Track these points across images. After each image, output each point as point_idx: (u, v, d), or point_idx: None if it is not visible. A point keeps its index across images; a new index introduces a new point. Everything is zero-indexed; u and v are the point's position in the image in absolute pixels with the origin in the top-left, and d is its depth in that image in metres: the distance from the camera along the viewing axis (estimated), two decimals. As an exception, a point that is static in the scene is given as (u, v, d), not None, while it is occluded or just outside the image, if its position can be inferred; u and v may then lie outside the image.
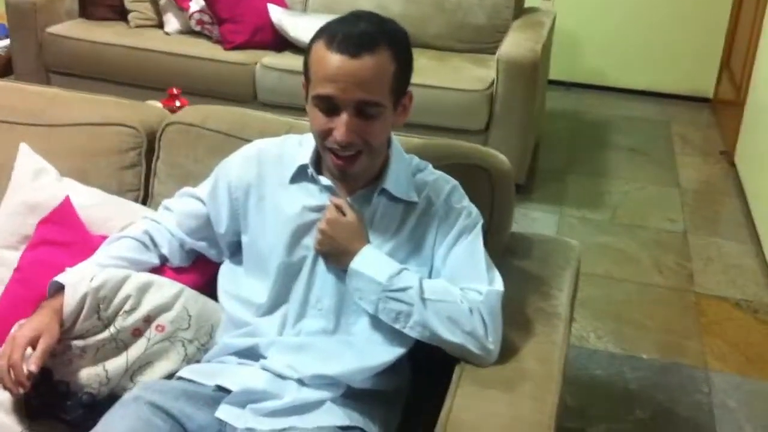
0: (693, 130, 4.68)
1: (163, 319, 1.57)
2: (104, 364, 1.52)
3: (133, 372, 1.52)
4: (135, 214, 1.79)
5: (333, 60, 1.41)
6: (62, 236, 1.72)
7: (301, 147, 1.65)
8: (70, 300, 1.49)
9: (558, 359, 1.52)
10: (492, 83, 3.51)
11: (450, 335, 1.47)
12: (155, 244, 1.68)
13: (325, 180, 1.59)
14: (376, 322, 1.53)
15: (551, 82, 4.38)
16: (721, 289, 3.09)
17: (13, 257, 1.75)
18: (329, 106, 1.44)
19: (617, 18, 5.03)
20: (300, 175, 1.61)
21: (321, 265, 1.57)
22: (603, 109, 4.91)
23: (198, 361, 1.60)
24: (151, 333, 1.56)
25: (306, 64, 1.49)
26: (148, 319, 1.56)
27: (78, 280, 1.51)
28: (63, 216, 1.74)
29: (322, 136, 1.48)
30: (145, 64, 3.86)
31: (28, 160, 1.84)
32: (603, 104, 4.99)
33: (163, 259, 1.69)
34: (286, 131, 1.82)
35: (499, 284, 1.54)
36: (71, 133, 1.90)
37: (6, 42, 4.15)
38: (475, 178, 1.72)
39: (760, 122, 3.74)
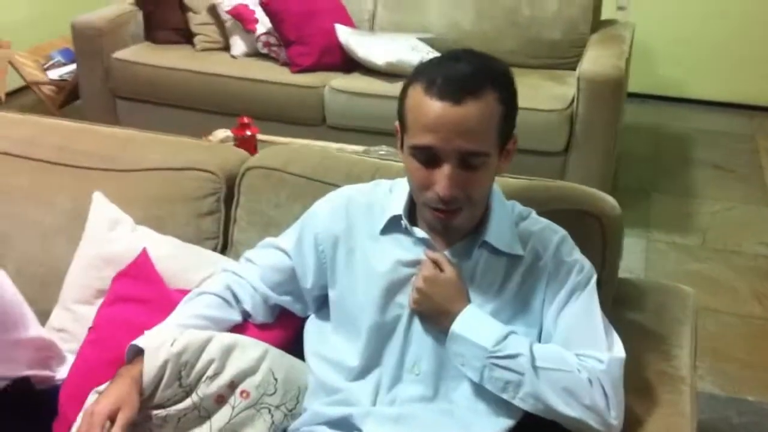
0: (781, 144, 4.43)
1: (248, 384, 1.45)
2: (187, 437, 1.41)
3: (218, 445, 1.40)
4: (214, 265, 1.68)
5: (433, 108, 1.28)
6: (139, 292, 1.61)
7: (391, 194, 1.52)
8: (150, 367, 1.38)
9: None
10: (572, 102, 3.34)
11: (567, 409, 1.32)
12: (237, 300, 1.57)
13: (420, 232, 1.45)
14: (480, 389, 1.39)
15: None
16: (826, 325, 2.87)
17: (88, 312, 1.65)
18: (429, 157, 1.31)
19: (694, 26, 4.80)
20: (392, 225, 1.47)
21: (417, 324, 1.44)
22: (682, 123, 4.69)
23: (285, 430, 1.47)
24: (236, 400, 1.44)
25: (401, 110, 1.36)
26: (232, 385, 1.43)
27: (158, 345, 1.40)
28: (140, 270, 1.64)
29: (421, 188, 1.35)
30: (212, 88, 3.78)
31: (102, 209, 1.74)
32: (681, 117, 4.76)
33: (246, 315, 1.58)
34: (373, 174, 1.69)
35: (620, 350, 1.38)
36: (146, 179, 1.80)
37: (73, 67, 4.10)
38: (584, 226, 1.57)
39: None
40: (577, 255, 1.46)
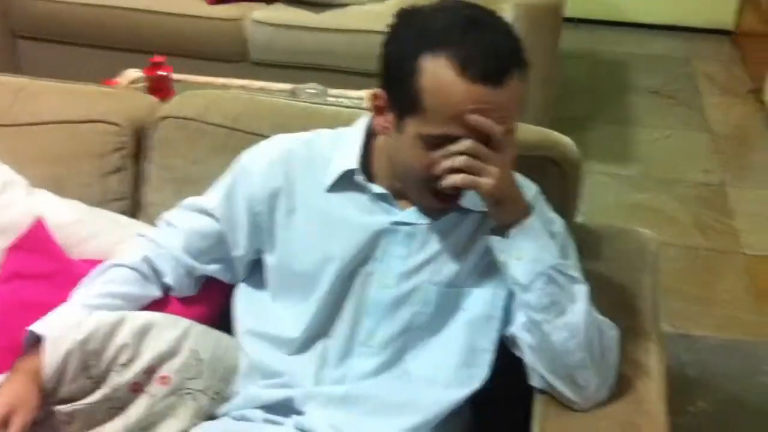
0: (716, 66, 4.35)
1: (168, 369, 1.28)
2: (97, 431, 1.24)
3: (136, 438, 1.24)
4: (125, 231, 1.49)
5: (472, 93, 1.11)
6: (38, 266, 1.42)
7: (338, 146, 1.34)
8: (50, 359, 1.20)
9: (659, 398, 1.24)
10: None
11: (586, 359, 1.19)
12: (157, 273, 1.38)
13: (377, 188, 1.29)
14: (442, 357, 1.27)
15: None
16: (771, 249, 2.82)
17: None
18: (447, 142, 1.14)
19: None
20: (343, 181, 1.30)
21: (373, 291, 1.28)
22: (618, 47, 4.56)
23: (214, 416, 1.31)
24: (154, 387, 1.27)
25: (407, 84, 1.14)
26: (149, 371, 1.27)
27: (60, 333, 1.22)
28: (36, 240, 1.44)
29: (432, 178, 1.18)
30: (122, 23, 3.46)
31: (-10, 169, 1.52)
32: (617, 41, 4.64)
33: (167, 289, 1.40)
34: (304, 121, 1.51)
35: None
36: (43, 134, 1.59)
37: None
38: (543, 173, 1.42)
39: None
40: (550, 213, 1.32)
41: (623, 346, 1.28)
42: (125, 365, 1.24)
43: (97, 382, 1.23)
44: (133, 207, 1.62)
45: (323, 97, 2.47)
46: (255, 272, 1.40)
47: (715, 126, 3.71)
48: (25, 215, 1.47)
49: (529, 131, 1.52)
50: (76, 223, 1.50)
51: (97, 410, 1.23)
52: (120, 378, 1.24)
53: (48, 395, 1.20)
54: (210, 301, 1.44)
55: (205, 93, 1.65)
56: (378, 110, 1.24)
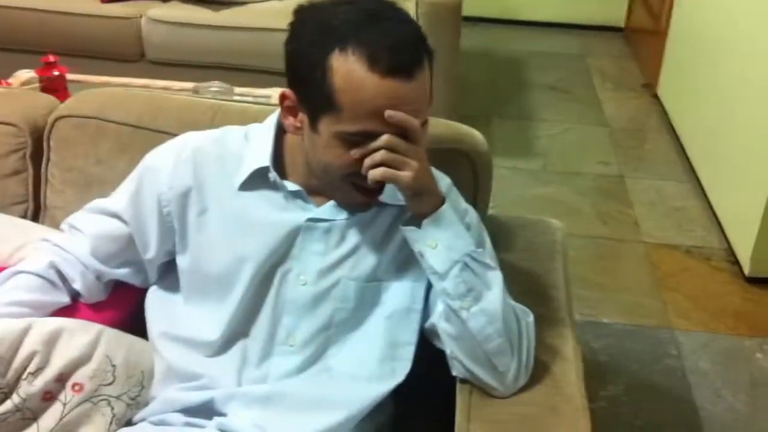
0: (609, 62, 4.50)
1: (81, 376, 1.22)
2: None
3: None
4: (28, 235, 1.42)
5: (384, 88, 1.09)
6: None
7: (248, 143, 1.31)
8: None
9: (577, 381, 1.26)
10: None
11: (505, 345, 1.20)
12: (64, 279, 1.33)
13: (291, 185, 1.26)
14: (364, 352, 1.26)
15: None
16: (669, 237, 2.92)
17: None
18: (365, 138, 1.13)
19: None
20: (255, 179, 1.27)
21: (290, 290, 1.26)
22: (514, 45, 4.66)
23: (130, 422, 1.26)
24: (67, 395, 1.21)
25: (315, 82, 1.12)
26: (61, 378, 1.21)
27: None
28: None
29: (348, 171, 1.17)
30: (11, 22, 3.33)
31: None
32: (513, 40, 4.74)
33: (75, 295, 1.34)
34: (211, 118, 1.49)
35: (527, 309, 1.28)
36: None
37: None
38: (454, 165, 1.42)
39: (686, 53, 3.57)
40: (464, 203, 1.33)
41: (540, 334, 1.30)
42: (35, 374, 1.18)
43: (6, 392, 1.17)
44: (35, 210, 1.55)
45: (228, 95, 2.42)
46: (167, 275, 1.36)
47: (611, 119, 3.82)
48: None
49: (438, 125, 1.52)
50: (-27, 228, 1.42)
51: (9, 421, 1.17)
52: (30, 387, 1.18)
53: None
54: (121, 306, 1.39)
55: (104, 91, 1.59)
56: (288, 111, 1.21)
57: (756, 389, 2.25)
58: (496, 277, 1.22)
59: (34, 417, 1.19)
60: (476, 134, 1.53)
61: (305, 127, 1.19)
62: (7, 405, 1.17)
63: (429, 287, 1.26)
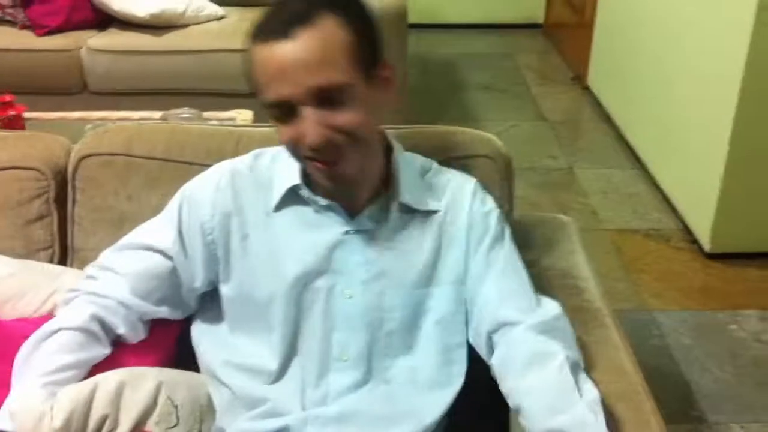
0: (535, 58, 4.64)
1: (149, 425, 1.20)
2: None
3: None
4: (58, 281, 1.38)
5: (266, 53, 1.10)
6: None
7: (276, 165, 1.31)
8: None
9: (633, 368, 1.32)
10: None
11: None
12: (107, 329, 1.29)
13: (322, 200, 1.27)
14: (417, 360, 1.28)
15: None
16: (628, 222, 3.04)
17: None
18: (288, 111, 1.12)
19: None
20: (288, 199, 1.28)
21: (337, 305, 1.26)
22: (443, 49, 4.75)
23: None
24: (140, 448, 1.19)
25: (248, 74, 1.15)
26: (133, 432, 1.19)
27: (33, 424, 1.11)
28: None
29: (294, 148, 1.16)
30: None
31: None
32: (441, 43, 4.83)
33: (117, 340, 1.31)
34: (236, 143, 1.48)
35: (553, 307, 1.29)
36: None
37: None
38: (482, 170, 1.47)
39: (615, 43, 3.72)
40: (491, 202, 1.35)
41: (584, 326, 1.35)
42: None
43: None
44: (61, 254, 1.51)
45: (199, 120, 2.39)
46: (210, 305, 1.35)
47: (548, 114, 3.94)
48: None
49: (458, 132, 1.57)
50: (5, 278, 1.37)
51: None
52: (109, 447, 1.15)
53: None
54: (161, 346, 1.36)
55: (122, 127, 1.55)
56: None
57: (736, 359, 2.36)
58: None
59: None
60: (493, 138, 1.57)
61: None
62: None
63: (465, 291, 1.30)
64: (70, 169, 1.47)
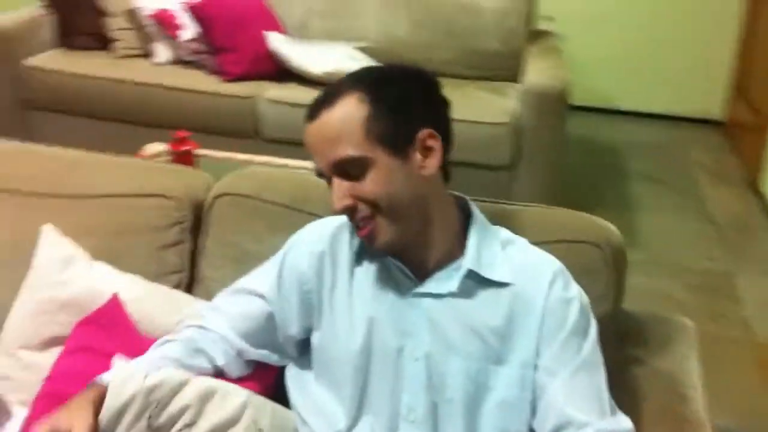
0: (709, 155, 4.47)
1: (226, 438, 1.26)
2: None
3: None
4: (182, 310, 1.49)
5: (305, 131, 1.26)
6: (106, 342, 1.43)
7: None
8: (113, 399, 1.19)
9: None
10: (515, 114, 3.25)
11: None
12: (208, 358, 1.40)
13: (397, 261, 1.31)
14: (475, 426, 1.27)
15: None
16: (782, 338, 2.86)
17: (40, 360, 1.47)
18: (328, 180, 1.27)
19: (620, 37, 4.80)
20: (367, 256, 1.34)
21: (407, 364, 1.28)
22: (612, 134, 4.69)
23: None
24: (214, 453, 1.24)
25: None
26: (209, 437, 1.25)
27: (126, 377, 1.21)
28: (109, 317, 1.46)
29: (337, 213, 1.27)
30: (135, 98, 3.53)
31: (52, 244, 1.53)
32: (610, 128, 4.76)
33: (218, 372, 1.40)
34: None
35: (626, 422, 1.25)
36: (99, 207, 1.60)
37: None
38: (585, 257, 1.45)
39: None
40: (575, 290, 1.31)
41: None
42: (188, 426, 1.23)
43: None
44: (190, 280, 1.62)
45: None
46: (304, 353, 1.41)
47: (714, 214, 3.79)
48: (87, 292, 1.48)
49: (568, 216, 1.56)
50: (135, 301, 1.50)
51: None
52: (184, 439, 1.22)
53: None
54: (261, 379, 1.44)
55: (258, 171, 1.68)
56: None
57: None
58: None
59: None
60: (610, 227, 1.55)
61: None
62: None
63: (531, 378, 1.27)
64: (206, 204, 1.59)
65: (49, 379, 1.39)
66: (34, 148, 1.75)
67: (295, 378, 1.41)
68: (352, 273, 1.33)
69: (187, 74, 3.61)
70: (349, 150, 1.21)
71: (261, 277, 1.41)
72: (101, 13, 3.73)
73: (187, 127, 3.05)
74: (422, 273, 1.30)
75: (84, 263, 1.52)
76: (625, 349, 1.53)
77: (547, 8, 3.99)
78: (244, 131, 3.46)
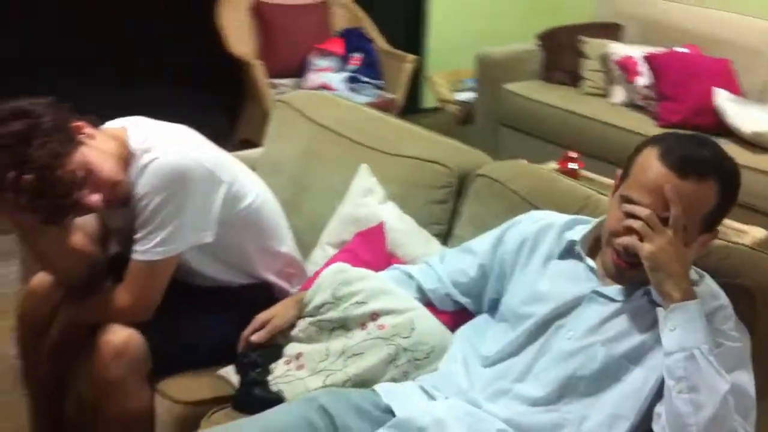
0: None
1: (387, 320, 1.72)
2: (327, 343, 1.75)
3: (347, 357, 1.70)
4: (430, 250, 1.99)
5: (660, 172, 1.44)
6: (366, 252, 2.00)
7: (575, 228, 1.68)
8: (317, 282, 1.81)
9: None
10: None
11: None
12: (422, 291, 1.84)
13: (590, 261, 1.60)
14: (592, 408, 1.50)
15: None
16: None
17: (332, 254, 2.11)
18: (631, 209, 1.46)
19: None
20: (569, 252, 1.64)
21: (557, 340, 1.57)
22: None
23: (406, 373, 1.70)
24: (373, 329, 1.72)
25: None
26: (374, 317, 1.73)
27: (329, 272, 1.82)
28: (374, 236, 2.03)
29: (614, 234, 1.50)
30: (582, 130, 4.03)
31: (364, 178, 2.18)
32: None
33: (426, 301, 1.82)
34: (581, 206, 1.85)
35: None
36: (401, 163, 2.16)
37: (472, 95, 4.65)
38: (734, 298, 1.55)
39: None
40: (730, 324, 1.49)
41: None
42: (360, 303, 1.74)
43: (337, 303, 1.75)
44: (446, 234, 2.08)
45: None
46: (494, 311, 1.76)
47: None
48: (373, 216, 2.08)
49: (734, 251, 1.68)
50: (403, 233, 2.05)
51: (326, 327, 1.75)
52: (355, 310, 1.74)
53: (304, 309, 1.78)
54: (454, 319, 1.83)
55: (516, 163, 2.11)
56: (615, 186, 1.57)
57: None
58: (720, 383, 1.37)
59: (345, 333, 1.75)
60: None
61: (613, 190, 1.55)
62: (333, 314, 1.76)
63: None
64: (470, 179, 2.07)
65: (325, 266, 1.99)
66: (381, 116, 2.40)
67: (477, 319, 1.78)
68: (546, 263, 1.65)
69: (630, 116, 4.01)
70: (683, 220, 1.43)
71: (484, 243, 1.77)
72: (580, 55, 4.35)
73: (612, 161, 3.37)
74: (609, 281, 1.56)
75: (379, 197, 2.11)
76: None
77: None
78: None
